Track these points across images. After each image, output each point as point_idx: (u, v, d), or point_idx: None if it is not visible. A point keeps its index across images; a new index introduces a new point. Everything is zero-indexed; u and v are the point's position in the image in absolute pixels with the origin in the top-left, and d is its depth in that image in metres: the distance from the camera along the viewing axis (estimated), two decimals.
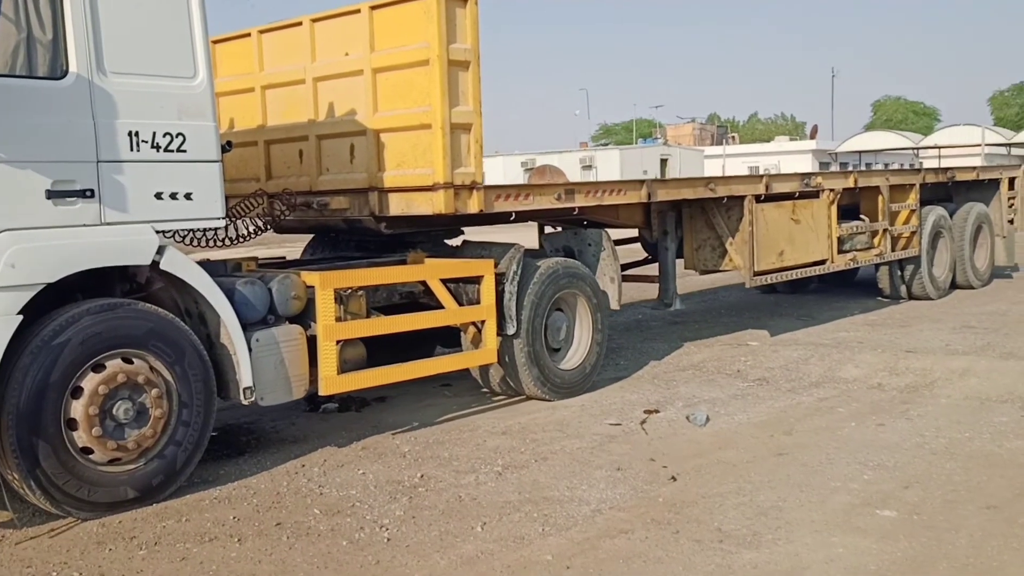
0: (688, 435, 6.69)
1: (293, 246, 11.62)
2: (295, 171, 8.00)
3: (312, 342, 6.28)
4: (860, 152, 53.62)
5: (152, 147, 5.41)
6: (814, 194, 10.58)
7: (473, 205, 7.13)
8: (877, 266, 12.58)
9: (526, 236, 11.33)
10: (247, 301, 5.95)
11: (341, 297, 6.48)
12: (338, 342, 6.38)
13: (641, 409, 7.42)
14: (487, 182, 7.38)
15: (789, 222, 10.22)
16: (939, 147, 50.46)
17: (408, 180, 7.16)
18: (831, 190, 10.72)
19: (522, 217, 8.06)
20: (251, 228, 7.47)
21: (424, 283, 7.25)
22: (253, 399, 5.89)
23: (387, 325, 6.74)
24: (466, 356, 7.41)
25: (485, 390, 8.09)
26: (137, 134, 5.34)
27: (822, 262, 10.71)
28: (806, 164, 51.12)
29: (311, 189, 7.83)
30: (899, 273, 12.80)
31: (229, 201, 7.80)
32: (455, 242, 8.36)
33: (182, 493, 5.66)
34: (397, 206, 7.29)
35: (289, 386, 6.14)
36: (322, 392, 6.30)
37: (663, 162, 51.29)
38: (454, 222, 8.08)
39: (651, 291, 12.02)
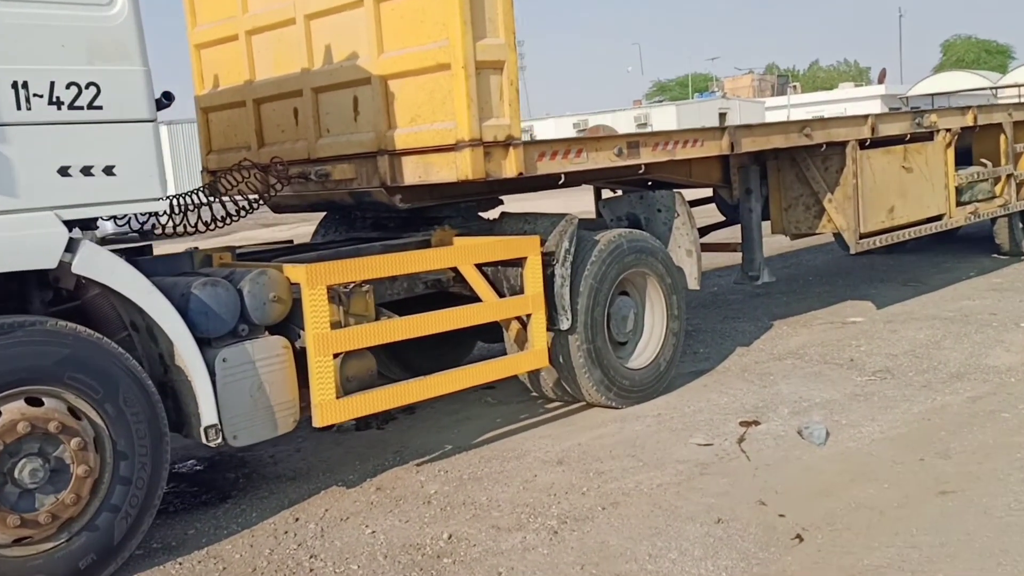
0: (804, 459, 5.04)
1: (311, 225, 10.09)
2: (291, 135, 6.45)
3: (303, 357, 4.76)
4: (932, 95, 50.47)
5: (51, 103, 3.87)
6: (927, 136, 8.76)
7: (510, 167, 5.51)
8: (994, 219, 10.69)
9: (580, 203, 9.71)
10: (207, 309, 4.42)
11: (339, 295, 4.93)
12: (337, 355, 4.84)
13: (736, 419, 5.78)
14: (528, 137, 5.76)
15: (900, 171, 8.42)
16: (1020, 86, 47.24)
17: (425, 139, 5.57)
18: (947, 130, 8.87)
19: (574, 180, 6.43)
20: (234, 209, 5.96)
21: (456, 268, 5.69)
22: (220, 439, 4.38)
23: (403, 329, 5.17)
24: (509, 361, 5.81)
25: (536, 395, 6.53)
26: (25, 85, 3.81)
27: (938, 218, 8.90)
28: (875, 111, 48.34)
29: (309, 156, 6.28)
30: (1020, 225, 10.94)
31: (213, 175, 6.31)
32: (493, 214, 6.76)
33: (127, 572, 4.19)
34: (413, 173, 5.71)
35: (272, 418, 4.62)
36: (317, 423, 4.77)
37: (722, 116, 48.95)
38: (489, 190, 6.49)
39: (725, 259, 10.41)
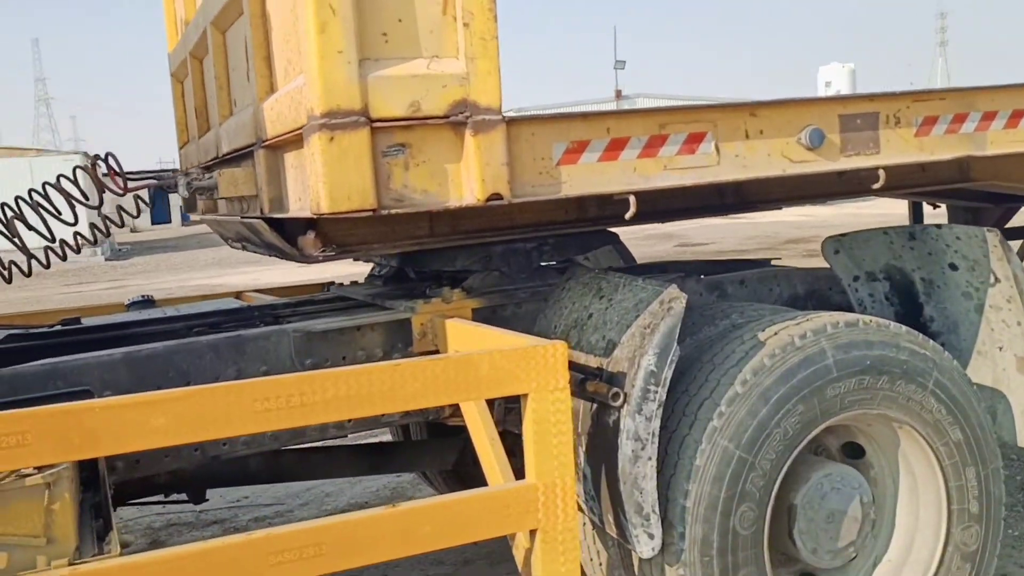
0: None
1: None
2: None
3: None
4: None
5: None
6: None
7: (465, 184, 2.18)
8: None
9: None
10: None
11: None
12: None
13: None
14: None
15: None
16: None
17: (284, 112, 2.43)
18: None
19: (665, 208, 2.89)
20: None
21: None
22: None
23: None
24: None
25: None
26: None
27: None
28: None
29: (218, 153, 3.40)
30: None
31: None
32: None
33: None
34: (294, 189, 2.59)
35: None
36: None
37: None
38: (576, 215, 3.14)
39: None
